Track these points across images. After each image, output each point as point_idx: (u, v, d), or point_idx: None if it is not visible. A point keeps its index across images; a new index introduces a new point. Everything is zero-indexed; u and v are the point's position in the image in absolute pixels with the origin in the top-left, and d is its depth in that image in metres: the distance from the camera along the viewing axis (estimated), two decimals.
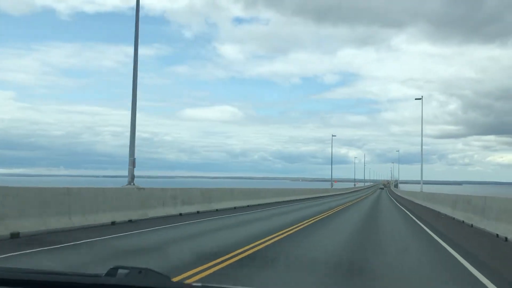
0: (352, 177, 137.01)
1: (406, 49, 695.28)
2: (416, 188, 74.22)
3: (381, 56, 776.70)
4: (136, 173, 18.37)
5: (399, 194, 72.42)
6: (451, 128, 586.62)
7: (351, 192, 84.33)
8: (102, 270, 2.18)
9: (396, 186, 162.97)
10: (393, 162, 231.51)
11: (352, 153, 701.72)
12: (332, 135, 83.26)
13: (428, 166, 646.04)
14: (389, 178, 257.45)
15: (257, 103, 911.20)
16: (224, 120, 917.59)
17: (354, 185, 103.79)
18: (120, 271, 2.12)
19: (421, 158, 46.94)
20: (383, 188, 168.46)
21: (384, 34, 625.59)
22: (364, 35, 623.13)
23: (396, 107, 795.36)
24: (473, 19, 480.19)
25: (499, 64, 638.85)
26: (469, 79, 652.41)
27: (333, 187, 71.68)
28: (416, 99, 48.03)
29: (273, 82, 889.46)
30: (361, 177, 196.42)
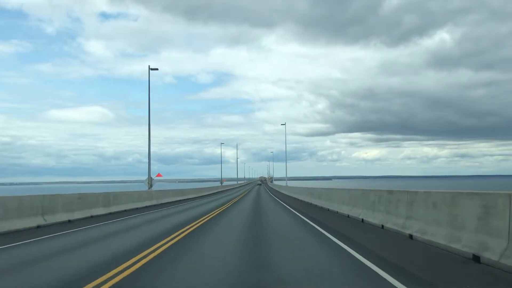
0: (231, 175, 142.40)
1: (276, 49, 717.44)
2: (288, 184, 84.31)
3: (253, 56, 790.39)
4: None
5: (277, 190, 75.80)
6: (320, 126, 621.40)
7: (214, 193, 63.52)
8: None
9: (271, 181, 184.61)
10: (269, 161, 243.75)
11: (229, 152, 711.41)
12: (221, 143, 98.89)
13: (300, 163, 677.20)
14: (266, 175, 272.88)
15: (129, 104, 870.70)
16: (93, 121, 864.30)
17: (221, 183, 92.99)
18: None
19: (285, 160, 48.50)
20: (260, 184, 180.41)
21: (255, 34, 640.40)
22: (236, 34, 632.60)
23: (269, 106, 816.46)
24: (338, 20, 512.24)
25: (362, 65, 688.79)
26: (335, 80, 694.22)
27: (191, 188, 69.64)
28: (281, 124, 57.48)
29: (145, 81, 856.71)
30: (240, 176, 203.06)
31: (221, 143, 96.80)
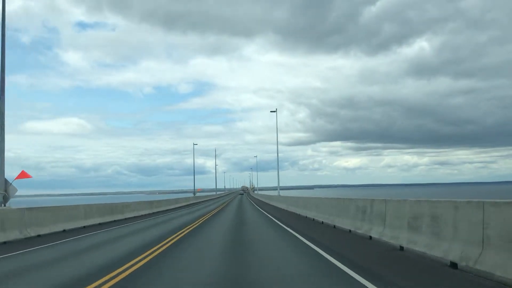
0: (211, 186, 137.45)
1: (257, 59, 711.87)
2: (274, 193, 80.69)
3: (233, 66, 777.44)
4: None
5: (265, 201, 73.12)
6: (301, 135, 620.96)
7: (177, 208, 48.96)
8: None
9: (254, 191, 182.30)
10: (251, 169, 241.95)
11: (210, 163, 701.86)
12: (194, 144, 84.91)
13: (282, 172, 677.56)
14: (248, 185, 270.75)
15: (107, 115, 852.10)
16: (71, 133, 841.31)
17: (194, 194, 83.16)
18: None
19: (277, 163, 47.35)
20: (242, 194, 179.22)
21: (235, 44, 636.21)
22: (215, 44, 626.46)
23: (250, 116, 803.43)
24: (318, 29, 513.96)
25: (342, 74, 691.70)
26: (315, 89, 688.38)
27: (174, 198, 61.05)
28: (271, 111, 50.14)
29: (124, 92, 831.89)
30: (221, 186, 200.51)
31: (194, 144, 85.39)
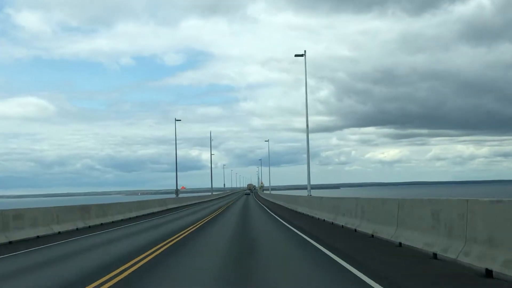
0: (207, 185, 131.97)
1: (266, 20, 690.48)
2: (282, 193, 77.30)
3: (235, 30, 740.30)
4: None
5: (274, 201, 67.57)
6: (324, 119, 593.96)
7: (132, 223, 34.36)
8: None
9: (263, 190, 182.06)
10: (260, 160, 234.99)
11: (206, 155, 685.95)
12: (176, 119, 78.61)
13: (299, 167, 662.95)
14: (256, 183, 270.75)
15: (75, 93, 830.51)
16: (28, 116, 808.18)
17: (176, 194, 77.68)
18: None
19: (307, 148, 44.79)
20: (249, 194, 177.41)
21: (238, 0, 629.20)
22: (212, 0, 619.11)
23: (257, 95, 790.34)
24: None
25: (377, 39, 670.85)
26: (342, 59, 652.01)
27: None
28: (296, 55, 45.41)
29: (95, 64, 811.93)
30: (220, 184, 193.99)
31: (176, 120, 79.39)
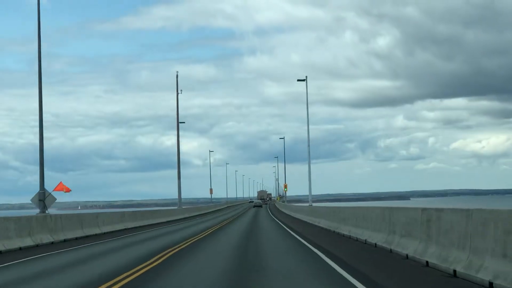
0: (195, 193, 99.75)
1: None
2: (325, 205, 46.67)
3: None
4: None
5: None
6: (384, 85, 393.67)
7: None
8: None
9: (283, 201, 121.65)
10: (276, 157, 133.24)
11: (191, 143, 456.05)
12: (178, 91, 61.31)
13: (340, 164, 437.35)
14: (273, 192, 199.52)
15: None
16: None
17: (41, 207, 31.97)
18: None
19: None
20: (260, 205, 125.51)
21: None
22: None
23: (272, 44, 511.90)
24: None
25: None
26: None
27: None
28: (298, 80, 42.33)
29: None
30: (221, 193, 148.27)
31: (179, 92, 63.73)
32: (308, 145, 45.98)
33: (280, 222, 47.55)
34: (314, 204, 50.35)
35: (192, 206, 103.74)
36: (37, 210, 31.98)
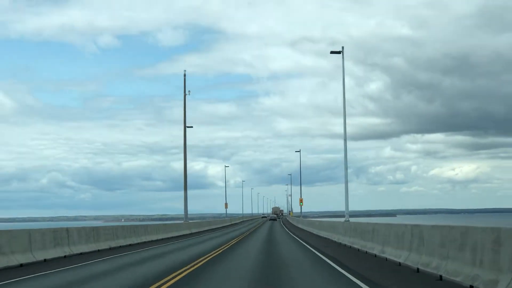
0: (218, 210, 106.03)
1: None
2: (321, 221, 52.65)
3: None
4: None
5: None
6: (375, 122, 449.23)
7: None
8: None
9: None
10: (289, 175, 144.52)
11: (215, 168, 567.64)
12: (186, 126, 61.35)
13: (338, 187, 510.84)
14: (285, 208, 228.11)
15: (38, 83, 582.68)
16: None
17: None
18: None
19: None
20: (275, 219, 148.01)
21: None
22: None
23: (283, 87, 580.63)
24: None
25: (448, 13, 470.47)
26: (401, 39, 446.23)
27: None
28: (332, 52, 40.53)
29: (65, 43, 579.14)
30: (237, 210, 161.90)
31: (187, 127, 63.89)
32: (345, 131, 42.18)
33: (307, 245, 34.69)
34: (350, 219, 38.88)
35: (201, 220, 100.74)
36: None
